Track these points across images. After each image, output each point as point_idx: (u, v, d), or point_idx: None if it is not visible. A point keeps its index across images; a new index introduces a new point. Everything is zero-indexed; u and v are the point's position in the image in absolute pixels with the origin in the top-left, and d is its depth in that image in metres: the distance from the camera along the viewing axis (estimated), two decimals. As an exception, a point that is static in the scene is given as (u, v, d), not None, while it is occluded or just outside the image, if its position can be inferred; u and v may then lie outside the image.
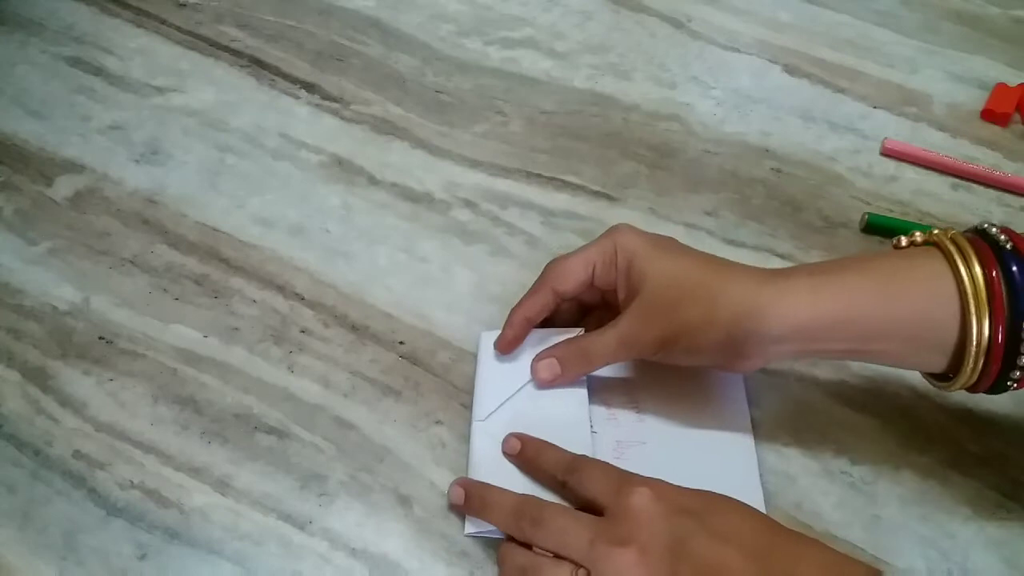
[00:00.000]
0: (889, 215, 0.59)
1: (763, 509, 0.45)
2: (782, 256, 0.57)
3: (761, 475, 0.47)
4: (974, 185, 0.61)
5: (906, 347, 0.41)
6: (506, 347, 0.48)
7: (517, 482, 0.45)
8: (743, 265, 0.44)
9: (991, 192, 0.61)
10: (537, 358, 0.47)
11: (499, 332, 0.49)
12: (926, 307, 0.40)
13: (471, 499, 0.44)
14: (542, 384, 0.47)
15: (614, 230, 0.47)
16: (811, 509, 0.46)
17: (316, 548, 0.44)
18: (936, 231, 0.41)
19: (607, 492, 0.41)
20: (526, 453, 0.45)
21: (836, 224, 0.59)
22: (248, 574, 0.43)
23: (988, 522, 0.46)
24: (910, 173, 0.62)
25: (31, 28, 0.67)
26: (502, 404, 0.47)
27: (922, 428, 0.49)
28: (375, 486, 0.46)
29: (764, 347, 0.42)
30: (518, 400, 0.48)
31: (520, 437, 0.46)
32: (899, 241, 0.43)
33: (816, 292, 0.41)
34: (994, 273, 0.39)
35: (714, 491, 0.41)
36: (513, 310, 0.48)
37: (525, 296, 0.48)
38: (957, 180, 0.62)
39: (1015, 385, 0.40)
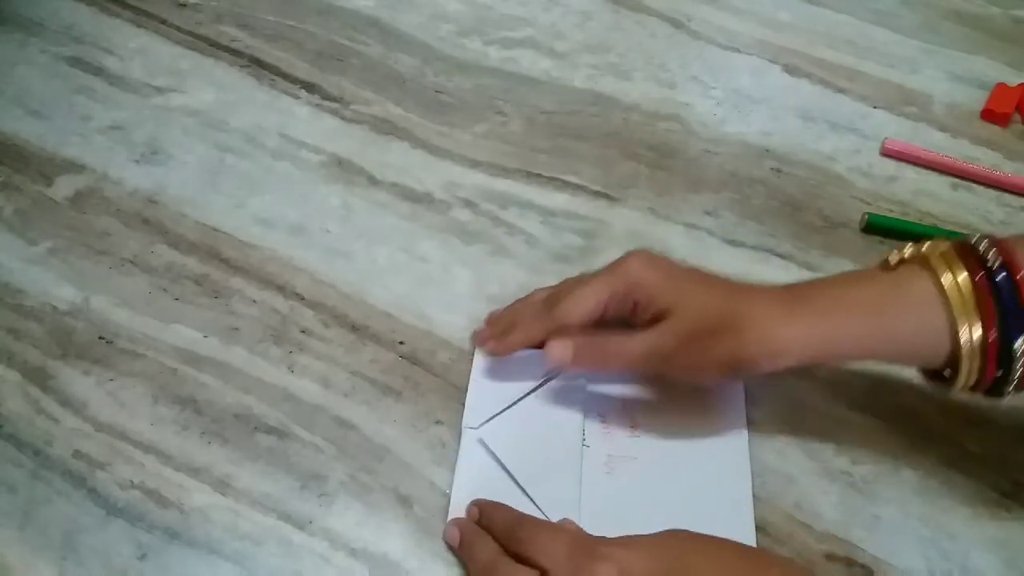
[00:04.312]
0: (889, 215, 0.59)
1: (752, 531, 0.44)
2: (782, 256, 0.57)
3: (761, 476, 0.47)
4: (974, 185, 0.61)
5: (904, 359, 0.44)
6: (495, 353, 0.49)
7: (500, 493, 0.45)
8: (758, 292, 0.44)
9: (991, 192, 0.61)
10: (555, 339, 0.45)
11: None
12: (919, 330, 0.41)
13: (460, 539, 0.43)
14: (551, 363, 0.46)
15: (623, 266, 0.45)
16: (811, 509, 0.46)
17: (316, 548, 0.44)
18: (926, 245, 0.42)
19: (564, 567, 0.38)
20: (482, 521, 0.43)
21: (836, 224, 0.59)
22: (248, 574, 0.43)
23: (988, 522, 0.46)
24: (910, 173, 0.62)
25: (31, 28, 0.67)
26: (494, 416, 0.48)
27: (922, 428, 0.49)
28: (375, 486, 0.46)
29: (767, 371, 0.43)
30: (511, 410, 0.48)
31: (476, 503, 0.44)
32: (889, 260, 0.43)
33: (812, 329, 0.42)
34: (979, 277, 0.40)
35: (682, 534, 0.39)
36: (515, 331, 0.48)
37: (529, 319, 0.48)
38: (957, 180, 0.62)
39: (1011, 390, 0.41)
